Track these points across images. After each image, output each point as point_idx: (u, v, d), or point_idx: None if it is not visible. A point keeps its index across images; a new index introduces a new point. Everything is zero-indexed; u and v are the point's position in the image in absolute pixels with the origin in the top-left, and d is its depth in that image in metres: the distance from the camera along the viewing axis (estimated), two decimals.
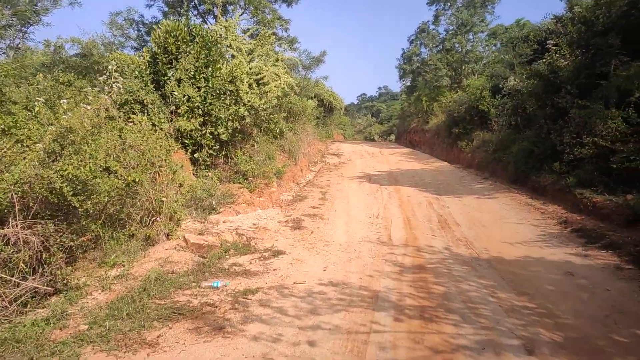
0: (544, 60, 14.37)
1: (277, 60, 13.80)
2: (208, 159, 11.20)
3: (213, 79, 10.76)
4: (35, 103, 5.41)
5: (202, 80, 10.73)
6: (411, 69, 32.96)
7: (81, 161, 5.00)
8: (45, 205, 5.11)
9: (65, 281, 4.72)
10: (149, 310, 4.22)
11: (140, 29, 17.98)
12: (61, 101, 5.42)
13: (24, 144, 4.82)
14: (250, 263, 6.37)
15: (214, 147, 11.44)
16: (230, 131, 11.68)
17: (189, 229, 7.88)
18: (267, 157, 14.50)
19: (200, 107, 10.44)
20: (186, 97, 10.39)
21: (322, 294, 5.17)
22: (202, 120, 10.50)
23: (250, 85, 12.68)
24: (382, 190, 13.13)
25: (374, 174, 16.74)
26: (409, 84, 36.02)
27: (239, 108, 11.96)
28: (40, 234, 4.71)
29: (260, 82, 12.87)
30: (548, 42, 15.65)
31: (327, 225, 8.81)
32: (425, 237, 8.18)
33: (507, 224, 9.03)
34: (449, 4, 28.97)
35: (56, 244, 4.82)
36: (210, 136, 11.00)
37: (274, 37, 14.45)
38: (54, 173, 4.77)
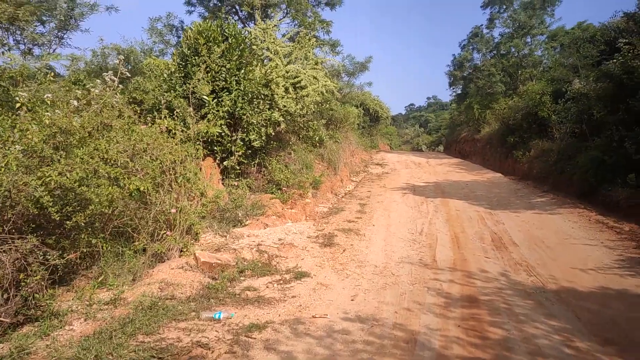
0: (615, 60, 12.70)
1: (316, 63, 13.01)
2: (238, 167, 10.50)
3: (245, 81, 10.07)
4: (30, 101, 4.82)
5: (234, 82, 10.07)
6: (462, 75, 31.32)
7: (68, 166, 4.32)
8: (29, 218, 4.47)
9: (41, 307, 4.01)
10: (125, 352, 3.37)
11: (180, 35, 17.80)
12: (45, 96, 4.81)
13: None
14: (267, 287, 5.47)
15: (246, 154, 10.77)
16: (263, 138, 10.97)
17: (207, 243, 7.13)
18: (304, 166, 13.71)
19: (230, 110, 9.77)
20: (215, 100, 9.78)
21: (345, 334, 4.16)
22: (226, 123, 9.80)
23: (286, 90, 11.94)
24: (427, 203, 11.94)
25: (419, 185, 15.51)
26: (459, 91, 34.34)
27: (273, 113, 11.25)
28: (16, 251, 4.04)
29: (297, 86, 12.10)
30: (619, 41, 13.94)
31: (362, 243, 7.79)
32: (476, 259, 6.98)
33: (575, 246, 7.63)
34: (504, 6, 27.26)
35: (37, 262, 4.14)
36: (241, 143, 10.30)
37: (314, 39, 13.71)
38: (34, 180, 4.11)
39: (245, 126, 10.32)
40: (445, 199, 12.54)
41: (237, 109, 9.89)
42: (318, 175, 13.21)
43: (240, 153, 10.32)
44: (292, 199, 11.05)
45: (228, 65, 9.92)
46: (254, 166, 11.68)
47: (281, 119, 11.40)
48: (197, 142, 9.42)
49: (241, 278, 5.70)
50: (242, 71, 10.26)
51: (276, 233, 8.17)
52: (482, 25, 29.28)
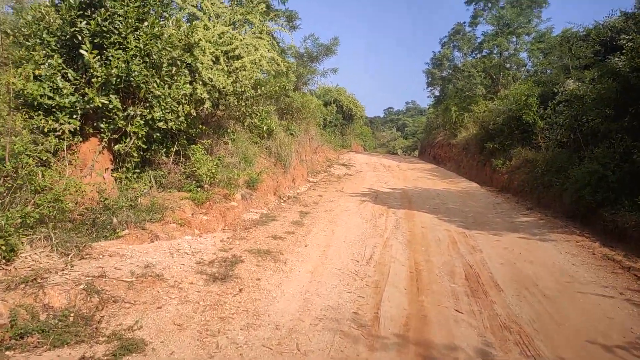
0: (621, 58, 10.54)
1: (261, 32, 10.37)
2: (136, 155, 7.79)
3: (145, 37, 7.36)
4: None
5: (132, 38, 7.35)
6: (441, 75, 29.17)
7: None
8: None
9: None
10: None
11: None
12: None
13: None
14: None
15: (152, 138, 8.11)
16: (181, 118, 8.32)
17: (23, 268, 4.43)
18: (243, 160, 11.11)
19: (121, 75, 7.05)
20: (101, 61, 7.06)
21: None
22: (117, 92, 7.13)
23: (216, 59, 9.28)
24: (388, 215, 9.48)
25: (383, 192, 13.08)
26: (437, 93, 32.25)
27: (196, 87, 8.60)
28: None
29: (230, 55, 9.44)
30: (621, 37, 11.85)
31: (276, 277, 5.22)
32: (443, 317, 4.51)
33: (584, 297, 5.27)
34: (490, 3, 25.15)
35: None
36: (142, 121, 7.60)
37: (264, 4, 11.08)
38: None
39: (148, 99, 7.62)
40: (410, 211, 10.12)
41: (134, 75, 7.17)
42: (256, 173, 10.60)
43: (140, 135, 7.61)
44: (211, 201, 8.41)
45: (121, 11, 7.18)
46: (170, 155, 9.01)
47: (205, 95, 8.74)
48: (65, 114, 6.73)
49: (7, 354, 3.05)
50: (146, 24, 7.54)
51: (156, 252, 5.52)
52: (464, 22, 27.19)
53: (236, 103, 10.13)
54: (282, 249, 6.29)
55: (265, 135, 13.00)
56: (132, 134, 7.56)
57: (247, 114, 11.45)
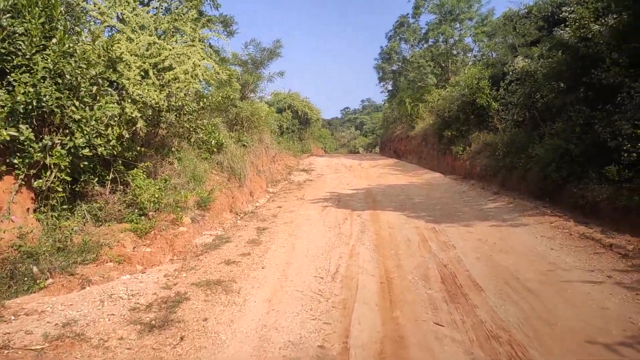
0: (566, 30, 10.40)
1: (193, 41, 9.58)
2: (60, 189, 6.84)
3: (54, 55, 6.47)
4: None
5: (40, 58, 6.44)
6: (391, 69, 29.05)
7: None
8: None
9: None
10: None
11: None
12: None
13: None
14: None
15: (80, 168, 7.18)
16: (112, 142, 7.42)
17: None
18: (192, 179, 10.28)
19: (28, 101, 6.13)
20: (4, 87, 6.13)
21: None
22: (29, 121, 6.23)
23: (145, 74, 8.43)
24: (352, 219, 8.88)
25: (346, 194, 12.50)
26: (390, 87, 32.14)
27: (125, 106, 7.73)
28: None
29: (160, 67, 8.61)
30: (563, 10, 11.82)
31: (227, 312, 4.47)
32: (422, 334, 3.90)
33: (571, 286, 4.80)
34: None
35: None
36: (64, 151, 6.67)
37: (195, 11, 10.29)
38: None
39: (67, 125, 6.71)
40: (375, 212, 9.57)
41: (45, 99, 6.27)
42: (207, 191, 9.78)
43: (62, 166, 6.68)
44: (156, 230, 7.55)
45: (21, 29, 6.27)
46: (106, 184, 8.08)
47: (137, 114, 7.88)
48: None
49: None
50: (54, 40, 6.64)
51: (84, 302, 4.66)
52: (408, 14, 27.15)
53: (175, 119, 9.30)
54: (236, 276, 5.54)
55: (215, 149, 12.18)
56: (52, 167, 6.61)
57: (192, 129, 10.62)
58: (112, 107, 7.35)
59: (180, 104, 9.07)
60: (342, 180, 16.24)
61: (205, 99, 10.67)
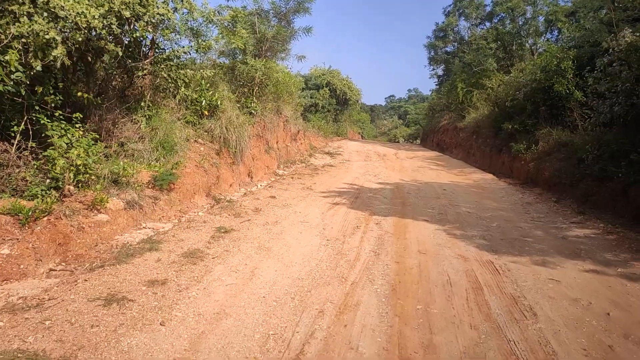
0: None
1: None
2: None
3: None
4: None
5: None
6: (445, 50, 25.38)
7: None
8: None
9: None
10: None
11: None
12: None
13: None
14: None
15: None
16: (17, 74, 4.88)
17: None
18: (161, 146, 7.66)
19: None
20: None
21: None
22: None
23: None
24: (368, 228, 5.96)
25: (369, 188, 9.54)
26: (440, 73, 28.46)
27: (36, 22, 5.08)
28: None
29: None
30: None
31: None
32: None
33: None
34: None
35: None
36: None
37: None
38: None
39: None
40: (403, 220, 6.60)
41: None
42: (173, 164, 7.09)
43: None
44: (54, 215, 4.87)
45: None
46: (14, 137, 5.52)
47: (54, 34, 5.18)
48: None
49: None
50: None
51: None
52: None
53: (120, 55, 6.47)
54: (102, 340, 2.78)
55: (207, 112, 9.47)
56: None
57: (171, 80, 7.98)
58: (20, 23, 4.73)
59: (138, 34, 6.34)
60: (370, 169, 13.27)
61: (200, 39, 8.05)
